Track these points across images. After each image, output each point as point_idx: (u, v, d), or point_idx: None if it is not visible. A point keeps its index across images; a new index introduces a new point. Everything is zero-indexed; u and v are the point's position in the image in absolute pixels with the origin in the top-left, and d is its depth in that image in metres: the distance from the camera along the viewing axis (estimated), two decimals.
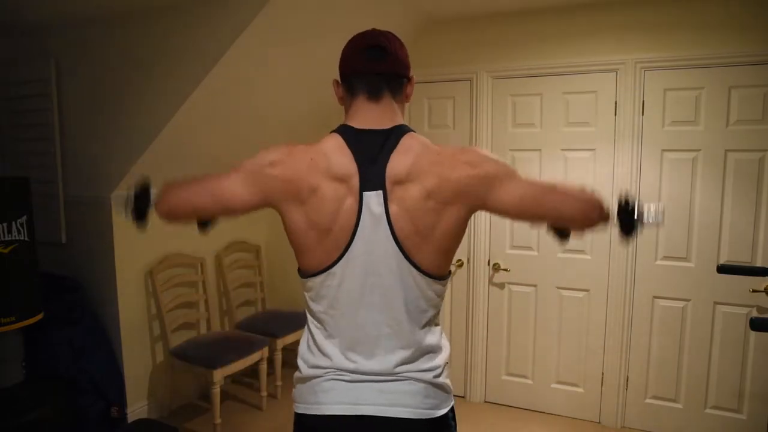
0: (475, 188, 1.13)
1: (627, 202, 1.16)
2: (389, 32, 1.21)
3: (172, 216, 1.25)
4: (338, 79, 1.24)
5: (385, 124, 1.18)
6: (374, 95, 1.18)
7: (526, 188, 1.14)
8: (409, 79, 1.24)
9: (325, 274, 1.17)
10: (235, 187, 1.19)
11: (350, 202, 1.13)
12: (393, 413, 1.16)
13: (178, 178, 1.26)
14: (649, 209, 1.15)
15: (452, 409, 1.25)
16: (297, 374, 1.27)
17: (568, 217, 1.14)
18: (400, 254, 1.14)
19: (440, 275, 1.19)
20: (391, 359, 1.18)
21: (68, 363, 2.69)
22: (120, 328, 2.91)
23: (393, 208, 1.13)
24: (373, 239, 1.14)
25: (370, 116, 1.18)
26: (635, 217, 1.15)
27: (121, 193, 1.29)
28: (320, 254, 1.17)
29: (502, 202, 1.14)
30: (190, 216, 1.25)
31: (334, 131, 1.20)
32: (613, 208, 1.17)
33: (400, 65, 1.20)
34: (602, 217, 1.14)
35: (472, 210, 1.17)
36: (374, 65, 1.17)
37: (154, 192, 1.27)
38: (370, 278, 1.15)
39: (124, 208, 1.27)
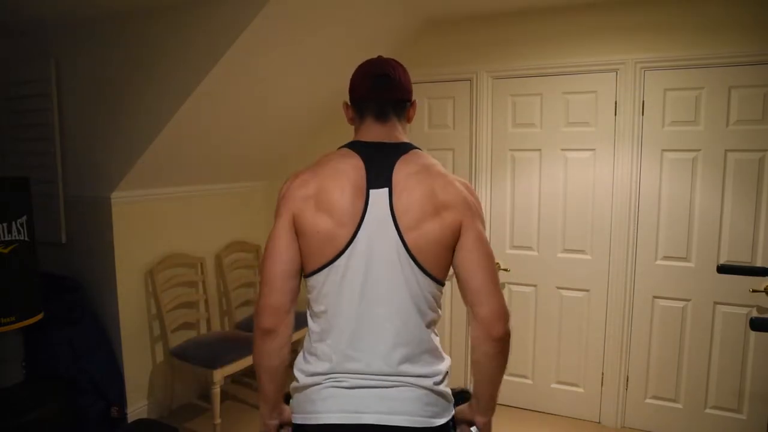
0: (466, 209, 1.20)
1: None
2: (393, 60, 1.33)
3: (274, 317, 1.21)
4: (348, 101, 1.35)
5: (393, 140, 1.28)
6: (381, 117, 1.29)
7: (482, 249, 1.20)
8: (412, 103, 1.34)
9: (329, 268, 1.19)
10: (280, 236, 1.22)
11: (357, 197, 1.19)
12: (393, 421, 1.15)
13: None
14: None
15: (453, 419, 1.25)
16: (294, 384, 1.27)
17: (481, 304, 1.18)
18: (403, 249, 1.18)
19: (438, 277, 1.22)
20: (394, 356, 1.18)
21: (68, 363, 2.69)
22: (120, 328, 2.91)
23: (398, 206, 1.18)
24: (378, 234, 1.18)
25: (378, 133, 1.28)
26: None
27: None
28: (326, 248, 1.19)
29: (464, 243, 1.20)
30: (284, 292, 1.21)
31: (342, 147, 1.29)
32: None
33: (404, 91, 1.31)
34: (499, 344, 1.18)
35: (455, 232, 1.20)
36: (381, 93, 1.28)
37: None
38: (374, 271, 1.18)
39: None
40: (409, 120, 1.35)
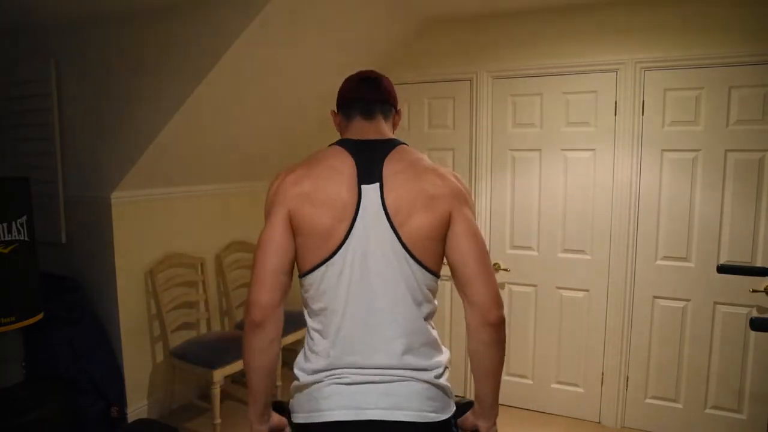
0: (453, 198, 1.22)
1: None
2: (379, 73, 1.39)
3: (266, 309, 1.20)
4: (334, 109, 1.40)
5: (381, 136, 1.31)
6: (368, 115, 1.32)
7: (473, 235, 1.21)
8: (397, 112, 1.39)
9: (325, 265, 1.21)
10: (275, 231, 1.22)
11: (349, 193, 1.20)
12: (396, 417, 1.17)
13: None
14: None
15: (454, 416, 1.26)
16: (295, 383, 1.27)
17: (475, 290, 1.18)
18: (398, 242, 1.19)
19: (433, 269, 1.24)
20: (395, 347, 1.20)
21: (68, 363, 2.69)
22: (120, 328, 2.91)
23: (390, 200, 1.20)
24: (371, 228, 1.19)
25: (365, 131, 1.31)
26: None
27: None
28: (324, 244, 1.20)
29: (454, 231, 1.21)
30: (276, 288, 1.21)
31: (331, 144, 1.30)
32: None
33: (390, 95, 1.36)
34: (496, 330, 1.19)
35: (446, 222, 1.21)
36: (368, 92, 1.33)
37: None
38: (370, 265, 1.20)
39: None
40: (394, 126, 1.39)
